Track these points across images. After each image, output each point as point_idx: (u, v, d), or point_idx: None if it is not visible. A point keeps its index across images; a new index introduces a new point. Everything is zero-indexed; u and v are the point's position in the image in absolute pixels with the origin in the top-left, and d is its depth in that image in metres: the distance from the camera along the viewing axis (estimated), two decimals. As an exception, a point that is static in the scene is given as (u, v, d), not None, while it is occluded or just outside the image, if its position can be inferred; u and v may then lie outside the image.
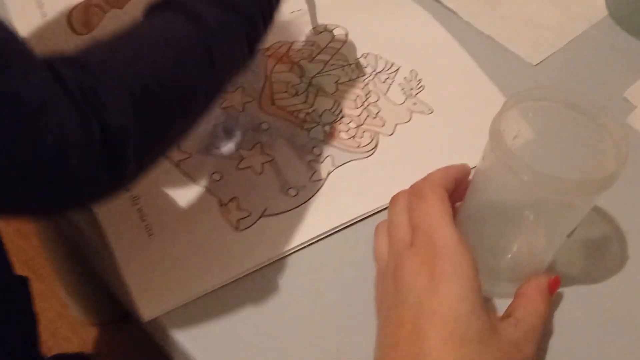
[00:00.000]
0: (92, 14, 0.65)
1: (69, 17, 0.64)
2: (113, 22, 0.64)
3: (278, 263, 0.47)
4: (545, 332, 0.43)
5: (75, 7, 0.65)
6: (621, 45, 0.66)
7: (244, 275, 0.46)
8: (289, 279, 0.47)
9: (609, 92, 0.61)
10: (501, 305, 0.43)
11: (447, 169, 0.42)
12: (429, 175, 0.42)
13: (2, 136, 0.28)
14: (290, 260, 0.47)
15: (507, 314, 0.40)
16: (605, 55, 0.65)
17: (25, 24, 0.63)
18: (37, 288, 1.24)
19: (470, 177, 0.43)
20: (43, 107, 0.29)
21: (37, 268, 1.20)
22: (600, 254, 0.49)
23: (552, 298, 0.43)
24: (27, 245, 1.23)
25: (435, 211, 0.38)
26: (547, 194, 0.35)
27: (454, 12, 0.68)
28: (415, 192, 0.40)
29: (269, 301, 0.46)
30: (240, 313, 0.45)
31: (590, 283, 0.47)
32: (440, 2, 0.69)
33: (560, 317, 0.45)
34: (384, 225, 0.42)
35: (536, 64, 0.64)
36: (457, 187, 0.42)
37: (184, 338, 0.44)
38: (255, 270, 0.47)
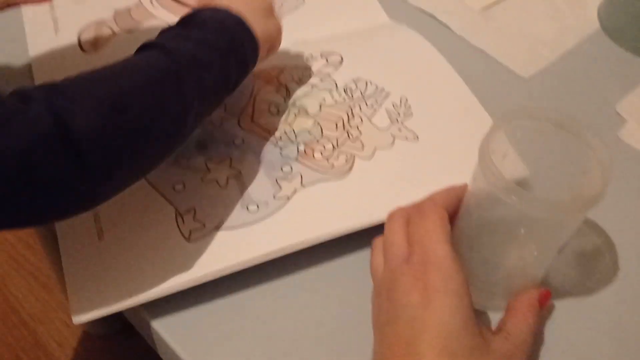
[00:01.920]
0: (101, 34, 0.67)
1: (79, 37, 0.66)
2: (121, 45, 0.65)
3: (280, 279, 0.48)
4: (536, 345, 0.44)
5: (86, 27, 0.67)
6: (613, 58, 0.67)
7: (252, 293, 0.47)
8: (288, 295, 0.48)
9: (601, 105, 0.62)
10: (496, 318, 0.44)
11: (450, 189, 0.43)
12: (432, 194, 0.43)
13: None
14: (290, 278, 0.49)
15: (499, 328, 0.41)
16: (597, 69, 0.66)
17: (39, 41, 0.65)
18: (43, 298, 1.26)
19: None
20: (5, 121, 0.33)
21: (44, 278, 1.22)
22: (591, 266, 0.50)
23: (543, 311, 0.44)
24: (33, 255, 1.25)
25: (434, 228, 0.39)
26: (535, 213, 0.36)
27: (447, 26, 0.69)
28: (417, 208, 0.42)
29: (271, 319, 0.47)
30: (245, 330, 0.46)
31: (582, 295, 0.48)
32: (434, 17, 0.70)
33: (553, 329, 0.46)
34: (380, 241, 0.43)
35: (528, 77, 0.65)
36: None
37: (185, 351, 0.45)
38: (258, 287, 0.48)
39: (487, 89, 0.60)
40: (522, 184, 0.40)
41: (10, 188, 0.34)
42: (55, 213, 0.39)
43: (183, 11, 0.69)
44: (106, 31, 0.67)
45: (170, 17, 0.69)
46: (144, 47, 0.45)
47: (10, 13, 0.69)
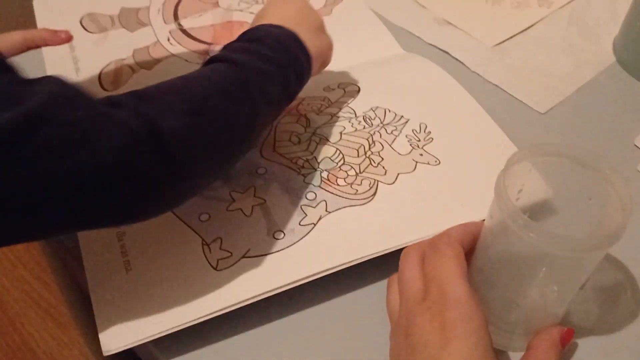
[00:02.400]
0: (121, 72, 0.68)
1: (100, 75, 0.67)
2: (141, 82, 0.66)
3: (292, 317, 0.48)
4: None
5: (107, 66, 0.69)
6: (630, 91, 0.67)
7: (266, 329, 0.47)
8: (302, 330, 0.47)
9: (619, 139, 0.62)
10: (517, 359, 0.43)
11: (466, 225, 0.42)
12: (447, 230, 0.42)
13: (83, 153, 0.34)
14: (306, 313, 0.48)
15: (519, 368, 0.40)
16: (614, 102, 0.66)
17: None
18: (58, 336, 1.26)
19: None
20: (101, 124, 0.36)
21: (59, 316, 1.22)
22: (613, 301, 0.49)
23: (565, 350, 0.43)
24: (48, 293, 1.25)
25: (450, 266, 0.39)
26: (554, 250, 0.36)
27: (462, 63, 0.70)
28: (431, 244, 0.41)
29: (287, 356, 0.46)
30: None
31: (604, 332, 0.47)
32: (448, 53, 0.71)
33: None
34: (396, 278, 0.43)
35: (544, 112, 0.64)
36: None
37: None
38: (268, 325, 0.47)
39: (503, 124, 0.60)
40: (539, 218, 0.40)
41: (106, 187, 0.36)
42: (146, 210, 0.41)
43: (200, 47, 0.70)
44: (126, 69, 0.69)
45: (187, 54, 0.70)
46: (212, 61, 0.48)
47: (31, 54, 0.70)
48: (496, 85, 0.67)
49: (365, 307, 0.49)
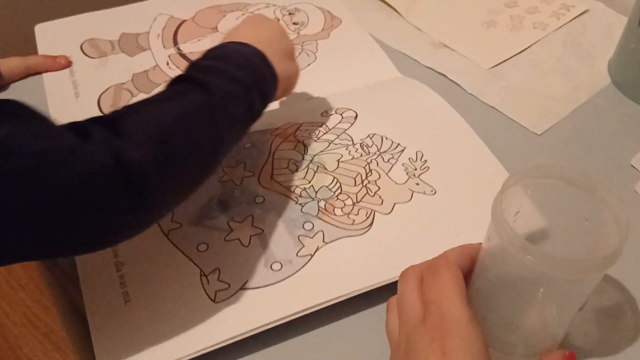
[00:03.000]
0: (120, 96, 0.69)
1: (99, 99, 0.68)
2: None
3: (291, 342, 0.48)
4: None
5: (106, 90, 0.69)
6: (626, 112, 0.68)
7: (267, 353, 0.47)
8: (305, 354, 0.47)
9: (616, 160, 0.62)
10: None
11: (464, 247, 0.42)
12: (445, 252, 0.42)
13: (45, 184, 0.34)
14: (307, 336, 0.48)
15: (521, 390, 0.40)
16: (610, 123, 0.66)
17: (60, 105, 0.67)
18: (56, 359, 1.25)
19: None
20: (68, 156, 0.36)
21: (58, 340, 1.21)
22: (613, 323, 0.49)
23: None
24: (48, 317, 1.24)
25: (449, 288, 0.39)
26: (552, 272, 0.36)
27: (459, 85, 0.70)
28: (430, 267, 0.41)
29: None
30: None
31: (606, 354, 0.47)
32: (445, 76, 0.71)
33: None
34: (395, 301, 0.43)
35: (541, 134, 0.65)
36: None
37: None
38: (272, 347, 0.47)
39: (500, 146, 0.61)
40: (536, 240, 0.40)
41: (74, 216, 0.36)
42: (110, 239, 0.41)
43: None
44: (125, 94, 0.69)
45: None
46: (179, 80, 0.48)
47: (31, 78, 0.71)
48: (492, 107, 0.67)
49: (364, 330, 0.49)
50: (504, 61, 0.73)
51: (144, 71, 0.72)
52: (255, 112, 0.51)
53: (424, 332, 0.37)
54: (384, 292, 0.48)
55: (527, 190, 0.40)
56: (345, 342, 0.48)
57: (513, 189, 0.39)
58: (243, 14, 0.81)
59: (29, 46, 0.76)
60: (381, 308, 0.49)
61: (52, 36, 0.76)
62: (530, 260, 0.35)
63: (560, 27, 0.79)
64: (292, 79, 0.58)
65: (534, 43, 0.76)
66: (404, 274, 0.42)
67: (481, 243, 0.42)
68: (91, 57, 0.74)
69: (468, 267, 0.41)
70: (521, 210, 0.41)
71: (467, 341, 0.36)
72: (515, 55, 0.74)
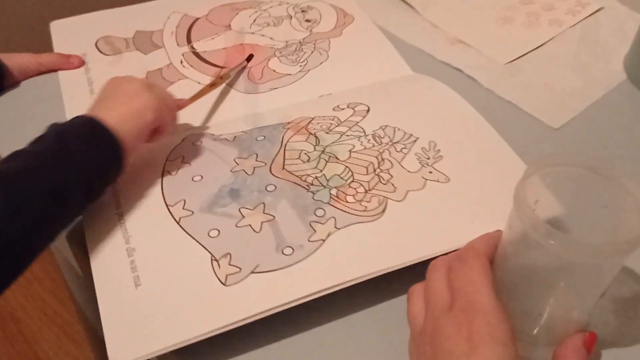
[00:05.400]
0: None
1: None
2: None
3: (311, 330, 0.48)
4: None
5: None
6: (642, 107, 0.67)
7: (285, 344, 0.47)
8: (320, 346, 0.47)
9: (631, 154, 0.62)
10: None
11: (489, 236, 0.42)
12: (472, 242, 0.42)
13: None
14: (323, 328, 0.48)
15: (545, 378, 0.39)
16: (626, 118, 0.66)
17: (75, 102, 0.68)
18: (72, 353, 1.25)
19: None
20: None
21: (73, 333, 1.21)
22: (633, 313, 0.48)
23: (590, 357, 0.42)
24: (65, 310, 1.25)
25: (477, 276, 0.38)
26: (575, 258, 0.36)
27: (475, 80, 0.70)
28: (458, 256, 0.41)
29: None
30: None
31: (624, 345, 0.46)
32: (460, 71, 0.71)
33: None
34: (418, 289, 0.43)
35: (557, 128, 0.65)
36: None
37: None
38: (290, 338, 0.47)
39: (516, 140, 0.61)
40: (557, 228, 0.39)
41: None
42: None
43: (212, 71, 0.71)
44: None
45: (199, 76, 0.71)
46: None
47: (47, 75, 0.71)
48: (509, 102, 0.67)
49: (378, 323, 0.48)
50: (520, 57, 0.73)
51: (157, 69, 0.72)
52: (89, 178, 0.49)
53: (450, 318, 0.37)
54: (394, 287, 0.48)
55: (547, 178, 0.40)
56: (358, 335, 0.48)
57: (534, 177, 0.39)
58: (256, 12, 0.81)
59: (44, 43, 0.77)
60: (394, 301, 0.49)
61: (67, 33, 0.77)
62: (553, 245, 0.35)
63: (576, 24, 0.78)
64: (145, 112, 0.54)
65: (550, 40, 0.76)
66: (432, 263, 0.42)
67: (502, 231, 0.42)
68: (106, 55, 0.74)
69: (493, 256, 0.41)
70: (541, 199, 0.41)
71: (494, 327, 0.36)
72: (531, 51, 0.74)
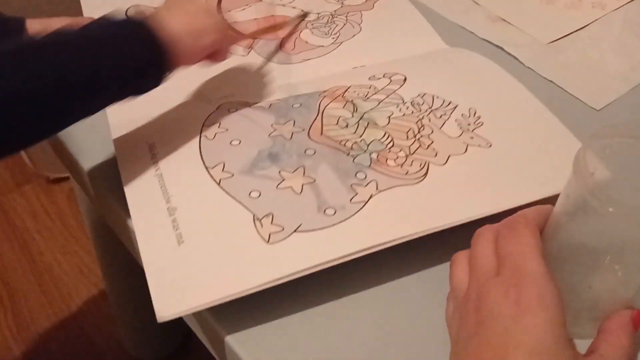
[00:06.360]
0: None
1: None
2: (180, 75, 0.67)
3: (350, 296, 0.48)
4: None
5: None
6: (686, 91, 0.67)
7: (320, 311, 0.47)
8: (357, 312, 0.48)
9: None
10: (581, 347, 0.43)
11: (540, 208, 0.42)
12: (523, 211, 0.42)
13: None
14: (360, 295, 0.49)
15: (590, 351, 0.39)
16: (670, 102, 0.66)
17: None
18: (105, 309, 1.27)
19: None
20: None
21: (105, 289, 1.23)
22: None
23: (638, 333, 0.42)
24: (97, 267, 1.26)
25: (526, 243, 0.38)
26: (631, 229, 0.36)
27: (516, 58, 0.70)
28: (507, 224, 0.41)
29: (343, 335, 0.47)
30: (311, 346, 0.46)
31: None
32: (501, 49, 0.71)
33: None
34: (462, 256, 0.43)
35: (600, 109, 0.64)
36: None
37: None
38: (330, 303, 0.48)
39: (558, 119, 0.60)
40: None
41: None
42: None
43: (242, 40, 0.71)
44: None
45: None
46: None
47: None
48: (551, 81, 0.67)
49: (418, 288, 0.49)
50: (562, 37, 0.73)
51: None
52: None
53: (497, 283, 0.37)
54: (438, 253, 0.49)
55: (605, 150, 0.40)
56: (394, 303, 0.48)
57: (590, 149, 0.39)
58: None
59: (74, 13, 0.76)
60: (435, 269, 0.50)
61: (97, 2, 0.77)
62: (612, 213, 0.35)
63: (619, 7, 0.78)
64: (205, 33, 0.54)
65: (592, 22, 0.75)
66: (478, 231, 0.42)
67: (553, 206, 0.42)
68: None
69: (542, 228, 0.41)
70: (596, 172, 0.41)
71: (543, 293, 0.36)
72: (573, 32, 0.73)
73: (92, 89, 0.48)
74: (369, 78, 0.64)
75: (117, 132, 0.58)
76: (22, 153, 1.45)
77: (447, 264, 0.43)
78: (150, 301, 0.45)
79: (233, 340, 0.46)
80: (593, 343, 0.40)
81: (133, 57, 0.50)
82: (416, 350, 0.46)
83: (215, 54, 0.57)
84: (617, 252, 0.39)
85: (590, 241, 0.39)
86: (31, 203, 1.47)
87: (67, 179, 1.46)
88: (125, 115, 0.59)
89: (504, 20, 0.75)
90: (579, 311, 0.43)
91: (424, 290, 0.49)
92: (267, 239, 0.48)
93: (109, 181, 0.56)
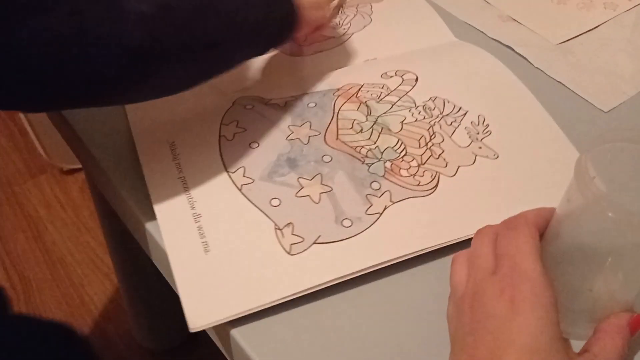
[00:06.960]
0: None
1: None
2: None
3: (354, 289, 0.49)
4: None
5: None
6: (696, 95, 0.66)
7: (330, 301, 0.48)
8: (364, 305, 0.49)
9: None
10: (578, 347, 0.43)
11: (541, 210, 0.43)
12: (523, 212, 0.43)
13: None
14: (366, 287, 0.49)
15: (584, 350, 0.40)
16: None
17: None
18: (116, 300, 1.28)
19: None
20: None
21: (117, 280, 1.24)
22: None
23: (634, 337, 0.43)
24: (109, 259, 1.27)
25: (524, 244, 0.39)
26: (631, 233, 0.36)
27: (525, 58, 0.70)
28: (507, 224, 0.41)
29: (348, 327, 0.47)
30: (315, 339, 0.47)
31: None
32: (511, 49, 0.71)
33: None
34: (462, 255, 0.43)
35: (607, 111, 0.64)
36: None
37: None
38: (335, 295, 0.49)
39: (566, 121, 0.61)
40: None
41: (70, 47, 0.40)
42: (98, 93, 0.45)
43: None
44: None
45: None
46: None
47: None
48: (559, 82, 0.67)
49: (424, 281, 0.50)
50: (573, 38, 0.73)
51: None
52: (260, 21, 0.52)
53: (493, 282, 0.38)
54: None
55: (607, 155, 0.40)
56: (401, 297, 0.49)
57: (591, 154, 0.40)
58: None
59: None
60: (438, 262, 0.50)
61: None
62: (612, 218, 0.35)
63: (631, 8, 0.77)
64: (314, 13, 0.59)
65: (604, 22, 0.75)
66: (479, 230, 0.43)
67: (555, 208, 0.43)
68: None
69: (543, 230, 0.42)
70: (597, 177, 0.41)
71: (538, 293, 0.37)
72: (583, 33, 0.73)
73: (255, 36, 0.53)
74: (381, 76, 0.65)
75: (136, 124, 0.59)
76: (37, 144, 1.47)
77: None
78: (161, 293, 0.47)
79: (238, 334, 0.47)
80: (587, 342, 0.41)
81: (281, 11, 0.54)
82: (421, 342, 0.46)
83: (318, 29, 0.63)
84: (617, 256, 0.40)
85: (591, 245, 0.40)
86: (45, 194, 1.49)
87: (80, 170, 1.47)
88: (144, 110, 0.60)
89: (515, 20, 0.75)
90: (579, 313, 0.44)
91: (431, 281, 0.49)
92: (288, 250, 0.50)
93: (129, 179, 0.57)
